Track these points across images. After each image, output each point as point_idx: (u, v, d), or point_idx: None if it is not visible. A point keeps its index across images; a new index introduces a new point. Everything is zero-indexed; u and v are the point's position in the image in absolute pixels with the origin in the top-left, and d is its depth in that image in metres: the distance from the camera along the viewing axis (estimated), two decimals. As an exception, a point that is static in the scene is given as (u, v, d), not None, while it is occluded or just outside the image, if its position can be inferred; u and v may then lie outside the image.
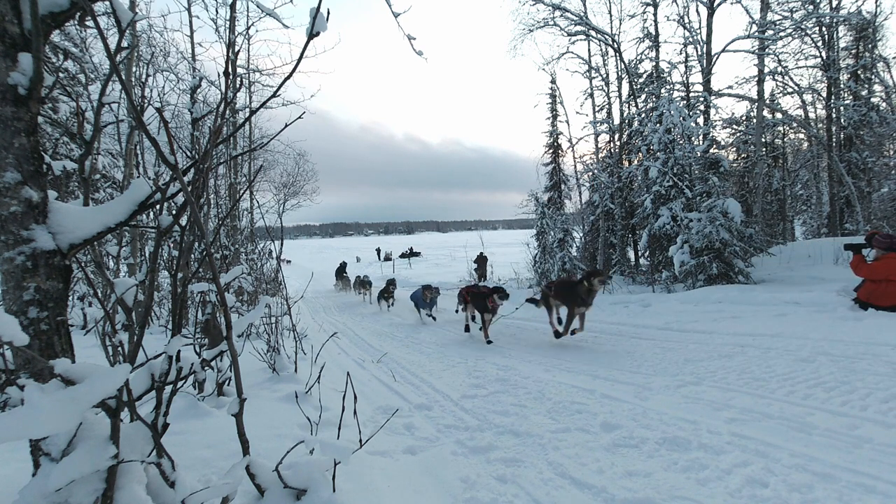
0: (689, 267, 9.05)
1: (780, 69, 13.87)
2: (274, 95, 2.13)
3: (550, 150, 16.59)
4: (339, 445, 1.83)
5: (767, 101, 14.14)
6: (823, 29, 13.34)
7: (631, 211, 13.23)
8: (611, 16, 14.50)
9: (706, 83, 11.61)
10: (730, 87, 13.32)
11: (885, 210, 11.61)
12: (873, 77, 13.62)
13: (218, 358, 2.46)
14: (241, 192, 12.95)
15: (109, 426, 1.36)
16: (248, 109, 12.46)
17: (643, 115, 12.55)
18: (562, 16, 13.74)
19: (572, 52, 15.18)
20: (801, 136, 17.56)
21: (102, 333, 2.47)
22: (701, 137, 10.39)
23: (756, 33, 11.25)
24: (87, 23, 1.67)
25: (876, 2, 13.15)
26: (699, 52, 11.89)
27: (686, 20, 12.04)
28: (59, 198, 1.73)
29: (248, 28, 12.39)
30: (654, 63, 13.64)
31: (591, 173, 15.92)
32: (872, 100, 13.47)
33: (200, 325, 3.96)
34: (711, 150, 10.35)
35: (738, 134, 16.16)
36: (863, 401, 3.12)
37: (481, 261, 18.20)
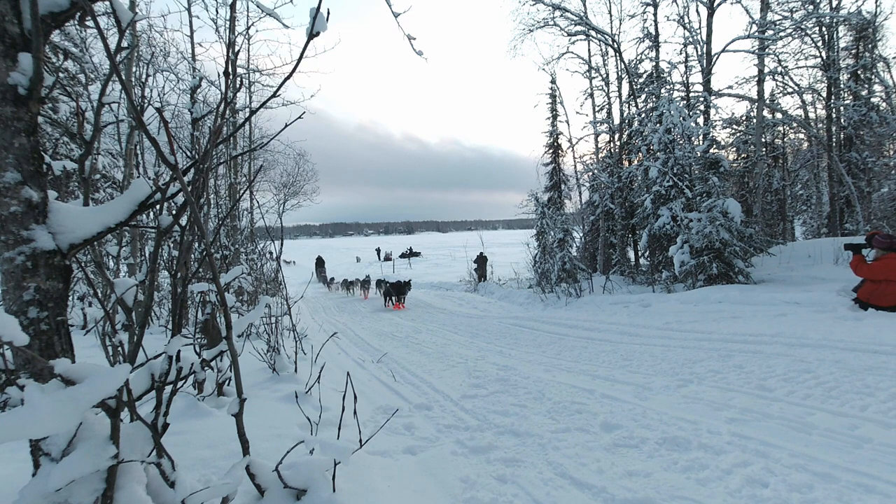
0: (689, 267, 9.05)
1: (780, 69, 13.88)
2: (274, 95, 2.13)
3: (550, 150, 16.61)
4: (339, 445, 1.83)
5: (767, 101, 14.14)
6: (823, 29, 13.32)
7: (631, 211, 13.23)
8: (611, 16, 14.51)
9: (706, 83, 11.60)
10: (730, 87, 13.34)
11: (885, 210, 11.62)
12: (873, 77, 13.61)
13: (218, 358, 2.46)
14: (241, 192, 12.94)
15: (109, 426, 1.36)
16: (248, 109, 12.45)
17: (643, 115, 12.56)
18: (562, 16, 13.75)
19: (572, 52, 15.20)
20: (801, 136, 17.55)
21: (102, 333, 2.47)
22: (701, 137, 10.38)
23: (756, 33, 11.25)
24: (87, 23, 1.67)
25: (876, 2, 13.14)
26: (699, 52, 11.89)
27: (686, 20, 12.04)
28: (59, 198, 1.73)
29: (248, 28, 12.37)
30: (654, 63, 13.65)
31: (591, 173, 15.93)
32: (872, 100, 13.45)
33: (200, 325, 3.96)
34: (711, 150, 10.34)
35: (738, 134, 16.16)
36: (863, 401, 3.12)
37: (481, 261, 18.18)
